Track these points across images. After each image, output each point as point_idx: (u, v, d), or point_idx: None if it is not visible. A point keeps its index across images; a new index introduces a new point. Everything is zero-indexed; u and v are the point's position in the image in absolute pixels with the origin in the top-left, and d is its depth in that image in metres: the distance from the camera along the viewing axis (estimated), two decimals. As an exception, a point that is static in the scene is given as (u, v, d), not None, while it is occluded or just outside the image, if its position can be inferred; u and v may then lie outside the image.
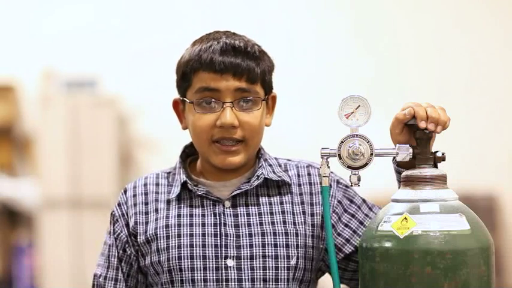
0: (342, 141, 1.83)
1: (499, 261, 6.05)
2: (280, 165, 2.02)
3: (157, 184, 2.01)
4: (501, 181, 6.51)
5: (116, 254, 1.99)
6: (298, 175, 2.01)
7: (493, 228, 6.08)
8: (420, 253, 1.71)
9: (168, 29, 6.63)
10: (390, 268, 1.73)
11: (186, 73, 1.94)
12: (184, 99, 1.96)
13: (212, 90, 1.91)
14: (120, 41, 6.69)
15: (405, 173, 1.82)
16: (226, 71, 1.90)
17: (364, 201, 2.02)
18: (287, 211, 1.97)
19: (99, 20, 6.73)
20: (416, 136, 1.83)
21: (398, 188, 1.90)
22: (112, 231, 2.01)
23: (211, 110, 1.92)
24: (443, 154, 1.84)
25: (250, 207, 1.96)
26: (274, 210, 1.96)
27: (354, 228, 1.98)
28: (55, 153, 6.19)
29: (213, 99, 1.91)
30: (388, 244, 1.74)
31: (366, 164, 1.83)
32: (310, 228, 1.96)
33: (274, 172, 1.99)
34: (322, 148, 1.85)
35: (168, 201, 1.98)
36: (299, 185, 2.00)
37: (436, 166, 1.84)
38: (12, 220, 6.53)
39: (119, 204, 2.02)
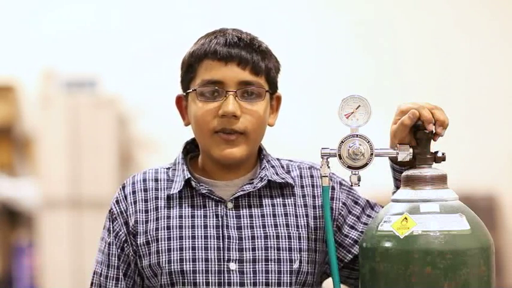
0: (342, 141, 1.83)
1: (499, 261, 6.05)
2: (282, 167, 2.01)
3: (156, 180, 1.98)
4: (501, 181, 6.51)
5: (116, 253, 1.96)
6: (301, 176, 2.00)
7: (493, 228, 6.08)
8: (420, 253, 1.71)
9: (168, 29, 6.63)
10: (390, 268, 1.73)
11: (190, 64, 1.93)
12: (188, 91, 1.94)
13: (216, 83, 1.90)
14: (120, 41, 6.69)
15: (405, 173, 1.82)
16: (231, 59, 1.89)
17: (367, 201, 2.02)
18: (290, 214, 1.95)
19: (99, 20, 6.73)
20: (417, 136, 1.83)
21: (394, 185, 1.90)
22: (111, 229, 1.97)
23: (214, 98, 1.90)
24: (443, 154, 1.84)
25: (253, 208, 1.94)
26: (277, 213, 1.94)
27: (360, 229, 1.98)
28: (55, 153, 6.20)
29: (216, 88, 1.90)
30: (388, 244, 1.74)
31: (366, 164, 1.83)
32: (313, 231, 1.95)
33: (277, 174, 1.97)
34: (322, 148, 1.85)
35: (169, 198, 1.95)
36: (302, 187, 1.99)
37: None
38: (12, 220, 6.53)
39: (117, 201, 1.98)
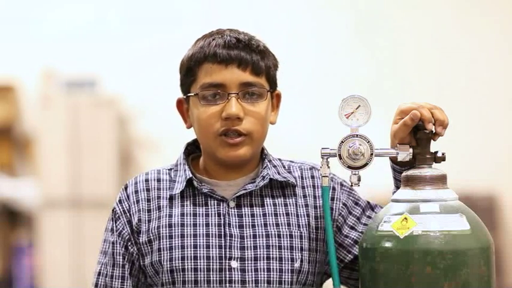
0: (342, 141, 1.83)
1: (499, 261, 6.05)
2: (284, 167, 2.01)
3: (158, 180, 1.98)
4: (501, 181, 6.51)
5: (121, 252, 1.95)
6: (302, 177, 2.00)
7: (493, 228, 6.08)
8: (420, 253, 1.71)
9: (168, 29, 6.63)
10: (390, 268, 1.73)
11: (190, 68, 1.92)
12: (189, 95, 1.94)
13: (217, 86, 1.90)
14: (120, 41, 6.69)
15: (405, 173, 1.82)
16: (231, 61, 1.89)
17: (368, 203, 2.02)
18: (291, 213, 1.95)
19: (99, 20, 6.73)
20: (417, 136, 1.83)
21: (394, 185, 1.90)
22: (114, 228, 1.97)
23: (216, 102, 1.90)
24: (443, 154, 1.84)
25: (254, 207, 1.94)
26: (278, 212, 1.95)
27: (360, 230, 1.98)
28: (55, 153, 6.20)
29: (218, 91, 1.90)
30: (388, 244, 1.74)
31: (366, 164, 1.83)
32: (314, 231, 1.96)
33: (279, 173, 1.98)
34: (322, 148, 1.85)
35: (171, 198, 1.95)
36: (303, 187, 1.99)
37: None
38: (12, 220, 6.53)
39: (120, 201, 1.98)
